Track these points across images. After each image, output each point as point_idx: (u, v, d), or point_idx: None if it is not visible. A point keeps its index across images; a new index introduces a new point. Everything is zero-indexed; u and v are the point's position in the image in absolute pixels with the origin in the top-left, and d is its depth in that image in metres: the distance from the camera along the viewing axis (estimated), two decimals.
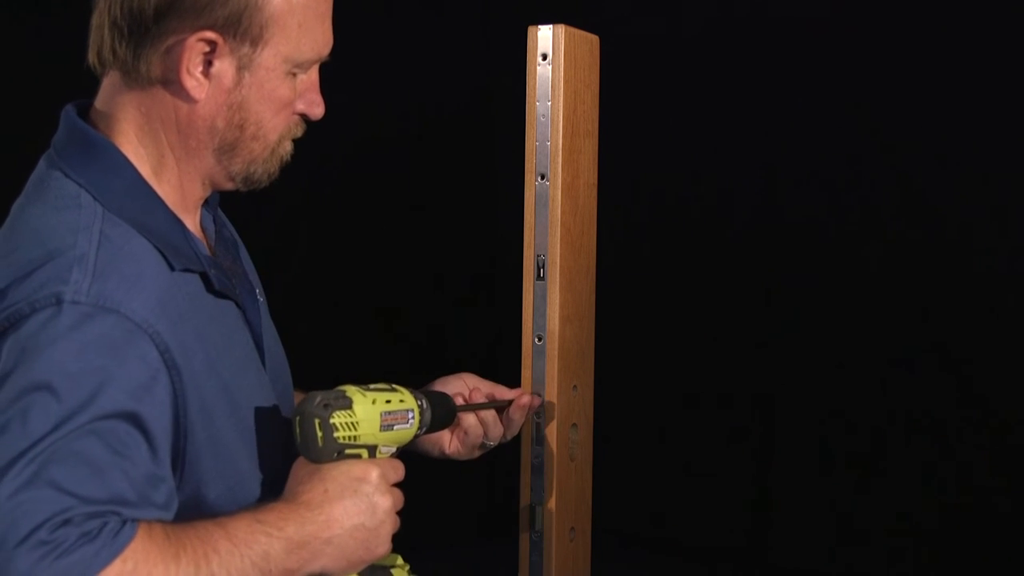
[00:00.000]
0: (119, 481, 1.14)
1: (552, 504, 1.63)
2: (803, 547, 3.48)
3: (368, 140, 3.58)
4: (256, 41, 1.29)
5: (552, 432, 1.62)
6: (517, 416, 1.60)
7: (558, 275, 1.63)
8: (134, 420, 1.17)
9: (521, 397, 1.60)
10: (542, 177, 1.62)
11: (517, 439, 1.64)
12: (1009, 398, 3.16)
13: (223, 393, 1.30)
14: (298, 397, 1.49)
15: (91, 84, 1.38)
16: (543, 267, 1.63)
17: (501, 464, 3.63)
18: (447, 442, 1.61)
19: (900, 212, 3.28)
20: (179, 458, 1.25)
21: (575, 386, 1.67)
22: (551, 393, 1.63)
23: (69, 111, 1.34)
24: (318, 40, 1.34)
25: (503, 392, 1.61)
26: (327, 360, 3.52)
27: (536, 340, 1.63)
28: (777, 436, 3.51)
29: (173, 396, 1.23)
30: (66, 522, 1.10)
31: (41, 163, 1.33)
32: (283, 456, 1.38)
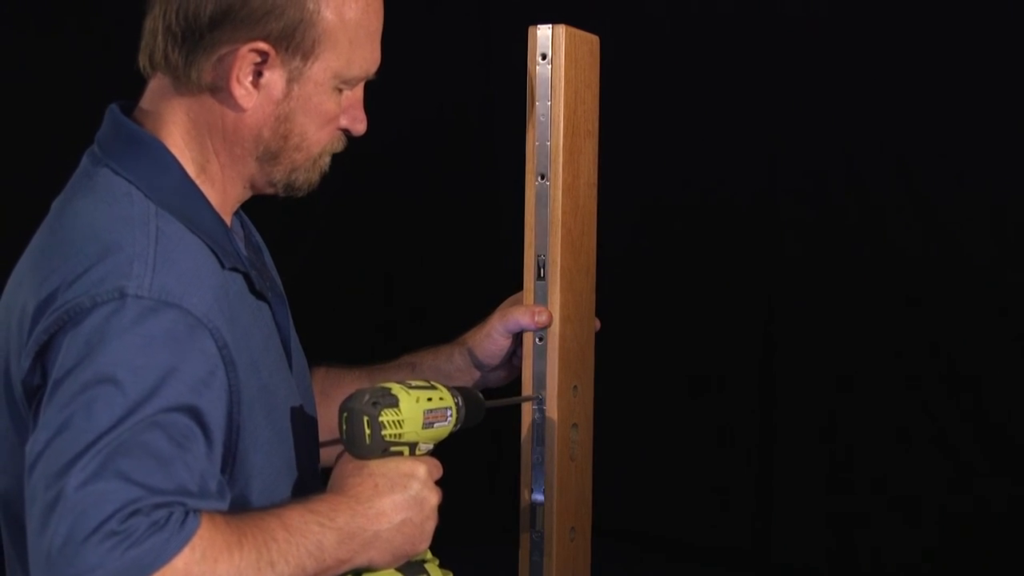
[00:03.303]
0: (182, 472, 1.15)
1: (552, 504, 1.63)
2: (803, 547, 3.48)
3: (367, 140, 3.57)
4: (307, 55, 1.31)
5: (552, 432, 1.62)
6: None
7: (558, 275, 1.63)
8: (193, 413, 1.18)
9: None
10: (542, 177, 1.62)
11: (518, 439, 1.64)
12: (1010, 399, 3.16)
13: (263, 392, 1.32)
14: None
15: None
16: (543, 267, 1.63)
17: (501, 464, 3.64)
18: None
19: (900, 211, 3.28)
20: (231, 452, 1.27)
21: (575, 386, 1.67)
22: (551, 393, 1.63)
23: (114, 109, 1.35)
24: (367, 58, 1.36)
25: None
26: (327, 359, 3.52)
27: (536, 340, 1.63)
28: (778, 436, 3.51)
29: (228, 391, 1.25)
30: (135, 512, 1.11)
31: (84, 160, 1.34)
32: (309, 457, 1.40)
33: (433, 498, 1.33)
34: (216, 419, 1.21)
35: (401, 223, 3.76)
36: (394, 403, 1.32)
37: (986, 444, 3.21)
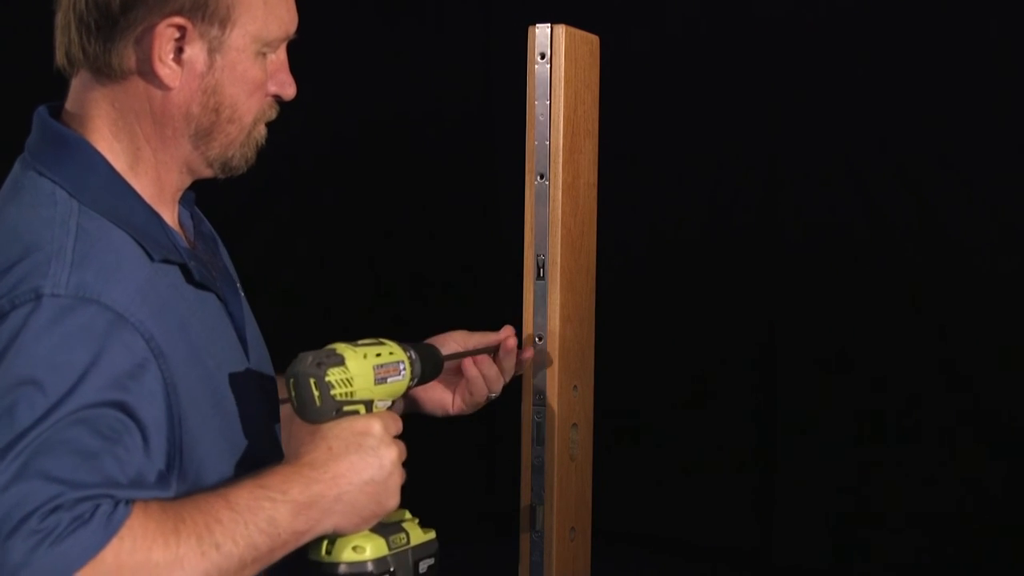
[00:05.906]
0: (110, 465, 1.14)
1: (552, 504, 1.63)
2: (804, 547, 3.48)
3: (368, 140, 3.58)
4: (224, 23, 1.29)
5: (552, 432, 1.62)
6: (507, 362, 1.62)
7: (558, 275, 1.63)
8: (122, 408, 1.17)
9: (507, 340, 1.61)
10: (542, 177, 1.62)
11: (518, 439, 1.64)
12: (1011, 397, 3.16)
13: (207, 382, 1.30)
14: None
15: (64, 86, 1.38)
16: (543, 267, 1.63)
17: (501, 464, 3.63)
18: (450, 402, 1.63)
19: (901, 212, 3.28)
20: (176, 445, 1.25)
21: (575, 386, 1.67)
22: (551, 393, 1.63)
23: (41, 112, 1.35)
24: (284, 17, 1.35)
25: (491, 338, 1.62)
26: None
27: (536, 340, 1.63)
28: (779, 435, 3.51)
29: (163, 383, 1.23)
30: (56, 508, 1.10)
31: (16, 165, 1.34)
32: (268, 447, 1.38)
33: (392, 452, 1.29)
34: (150, 412, 1.20)
35: (400, 222, 3.76)
36: (340, 362, 1.29)
37: (988, 444, 3.21)
